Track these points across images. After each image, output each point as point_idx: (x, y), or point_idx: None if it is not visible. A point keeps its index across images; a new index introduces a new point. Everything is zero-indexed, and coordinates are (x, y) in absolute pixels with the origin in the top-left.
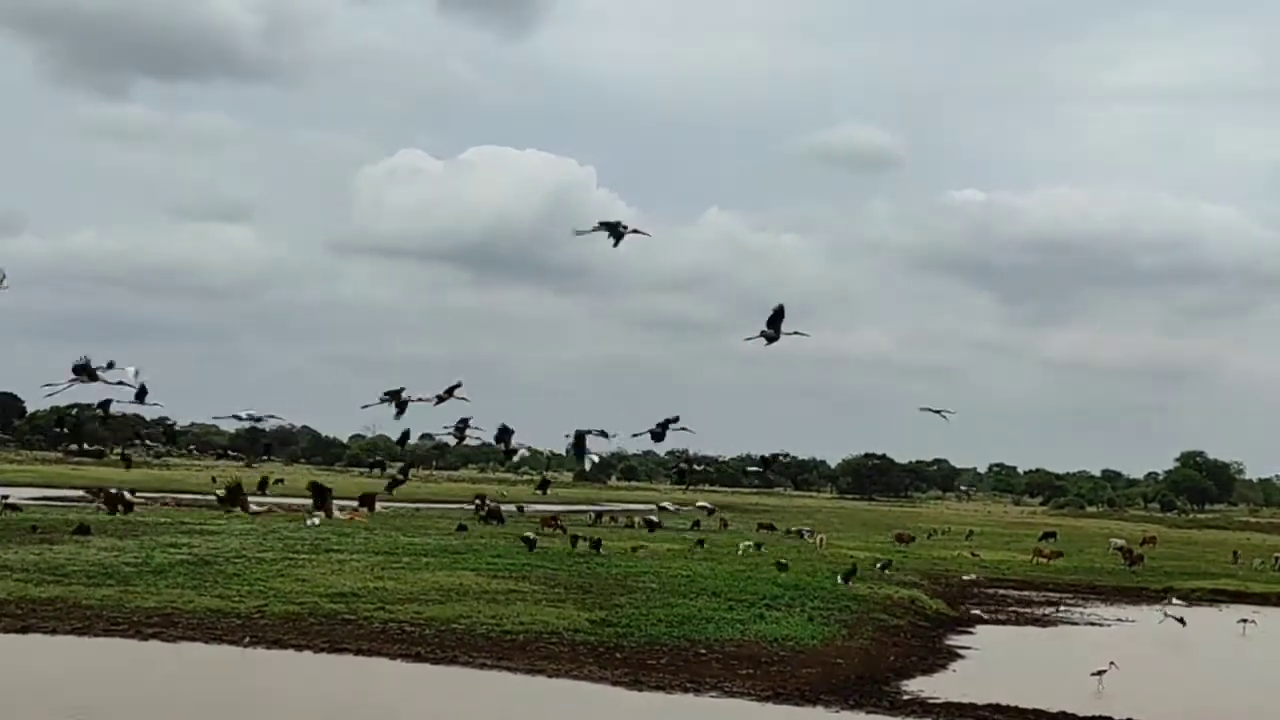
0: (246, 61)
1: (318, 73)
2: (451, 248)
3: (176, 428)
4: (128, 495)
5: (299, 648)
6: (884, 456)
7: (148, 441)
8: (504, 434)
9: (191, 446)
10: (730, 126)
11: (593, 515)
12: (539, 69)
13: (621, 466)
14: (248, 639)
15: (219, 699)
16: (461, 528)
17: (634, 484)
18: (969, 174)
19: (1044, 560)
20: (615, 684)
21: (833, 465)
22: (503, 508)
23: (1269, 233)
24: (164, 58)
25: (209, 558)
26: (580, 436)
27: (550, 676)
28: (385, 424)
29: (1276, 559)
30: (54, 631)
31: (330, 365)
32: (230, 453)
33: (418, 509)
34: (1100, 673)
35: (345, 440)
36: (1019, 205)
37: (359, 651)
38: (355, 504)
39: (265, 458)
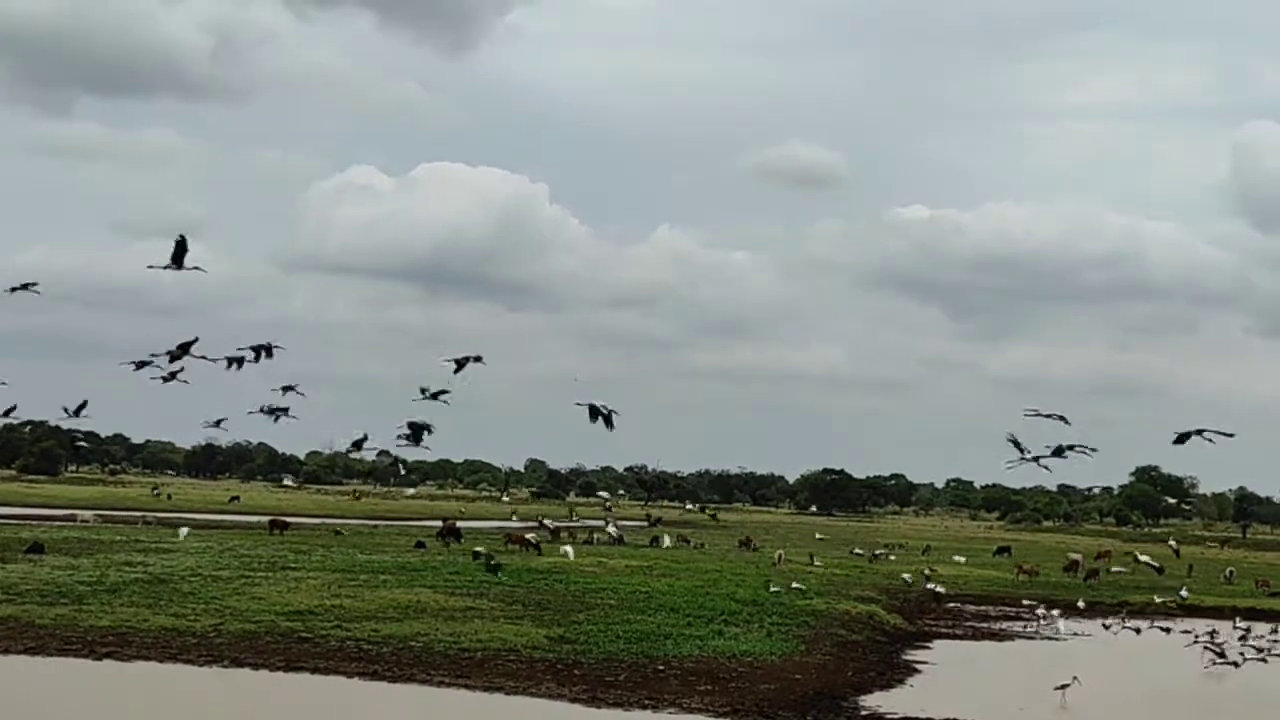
0: (194, 80)
1: (266, 91)
2: (402, 265)
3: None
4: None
5: (255, 666)
6: (842, 472)
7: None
8: (417, 430)
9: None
10: (681, 143)
11: (549, 529)
12: (488, 86)
13: (580, 482)
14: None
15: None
16: (420, 545)
17: (592, 499)
18: (916, 191)
19: (1025, 576)
20: (573, 701)
21: (791, 480)
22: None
23: (1212, 250)
24: (111, 75)
25: (164, 576)
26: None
27: (508, 694)
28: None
29: (1229, 572)
30: (6, 651)
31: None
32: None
33: (375, 526)
34: (1063, 687)
35: (302, 457)
36: (964, 222)
37: (316, 670)
38: None
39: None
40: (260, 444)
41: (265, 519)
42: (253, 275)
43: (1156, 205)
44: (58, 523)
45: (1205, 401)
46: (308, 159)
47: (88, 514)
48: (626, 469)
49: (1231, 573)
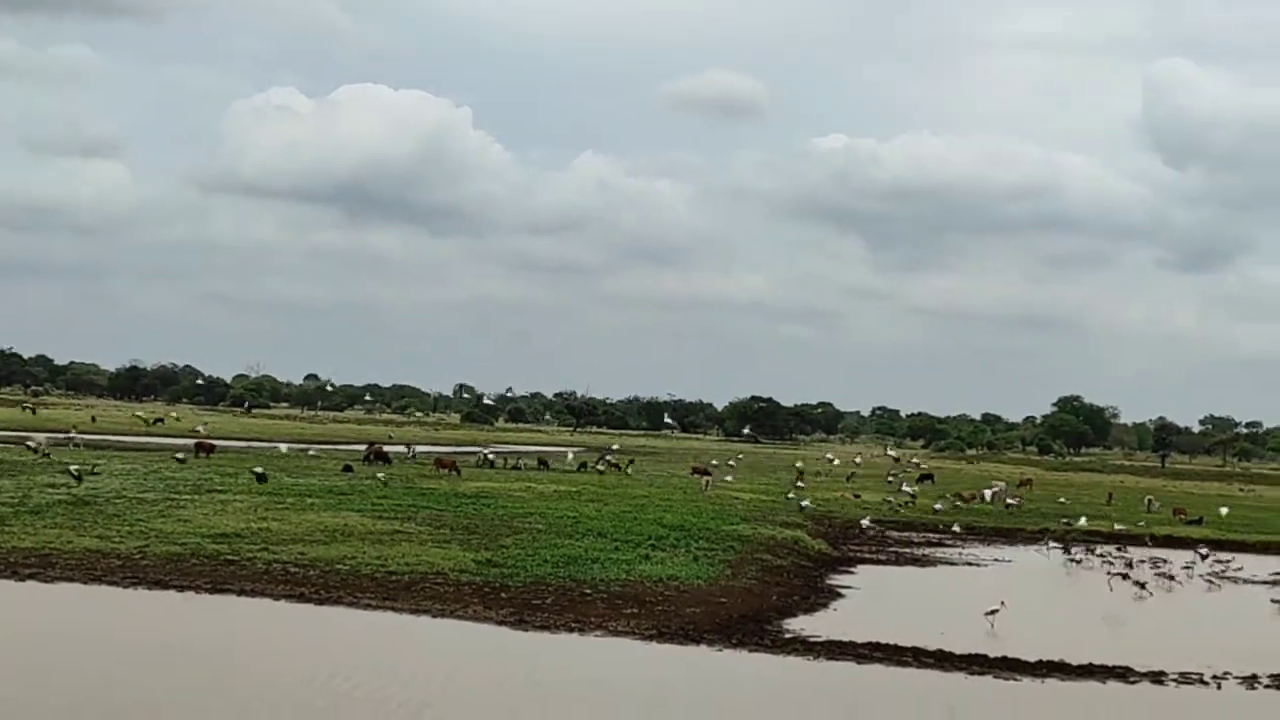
0: None
1: (182, 8)
2: (323, 188)
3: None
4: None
5: (180, 588)
6: (770, 400)
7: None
8: None
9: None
10: (605, 70)
11: (481, 456)
12: (412, 9)
13: (509, 408)
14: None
15: (98, 639)
16: (347, 469)
17: (521, 425)
18: (837, 122)
19: (964, 504)
20: (500, 624)
21: (719, 408)
22: (389, 449)
23: (1128, 185)
24: None
25: (88, 498)
26: None
27: (435, 616)
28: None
29: (1149, 501)
30: None
31: (208, 304)
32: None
33: (303, 450)
34: (993, 612)
35: (229, 380)
36: (880, 152)
37: (242, 592)
38: None
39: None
40: (186, 366)
41: (191, 442)
42: (171, 196)
43: (1074, 139)
44: None
45: (1123, 334)
46: (226, 79)
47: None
48: (555, 395)
49: (1151, 501)
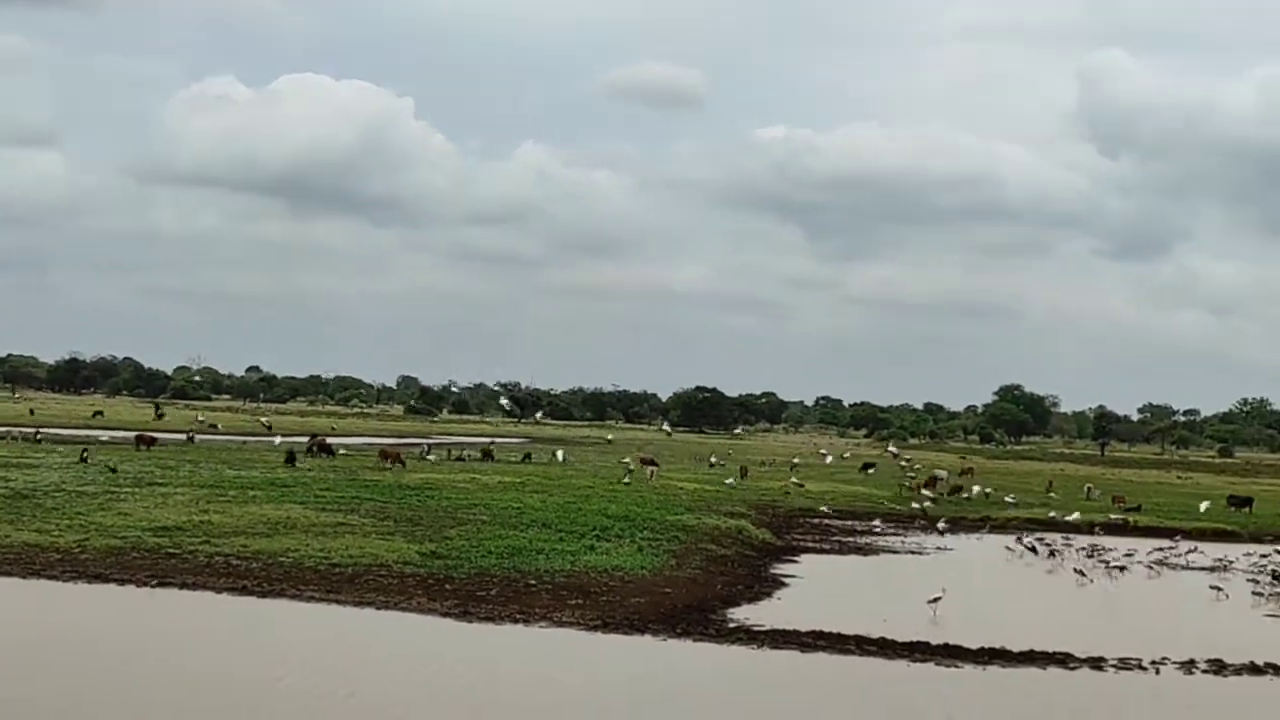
0: None
1: None
2: (264, 178)
3: None
4: None
5: (121, 582)
6: (714, 390)
7: None
8: None
9: None
10: (545, 60)
11: (424, 447)
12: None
13: (453, 399)
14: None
15: (38, 635)
16: (290, 460)
17: (465, 417)
18: (776, 112)
19: (911, 493)
20: (445, 615)
21: (663, 398)
22: (331, 441)
23: (1063, 174)
24: None
25: (26, 491)
26: None
27: (379, 609)
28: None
29: (1089, 489)
30: None
31: (147, 296)
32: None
33: (244, 442)
34: (935, 600)
35: (169, 372)
36: (818, 142)
37: (184, 585)
38: None
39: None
40: (126, 359)
41: (131, 435)
42: (108, 186)
43: (1011, 128)
44: None
45: (1062, 323)
46: (163, 68)
47: None
48: (498, 386)
49: (1090, 489)
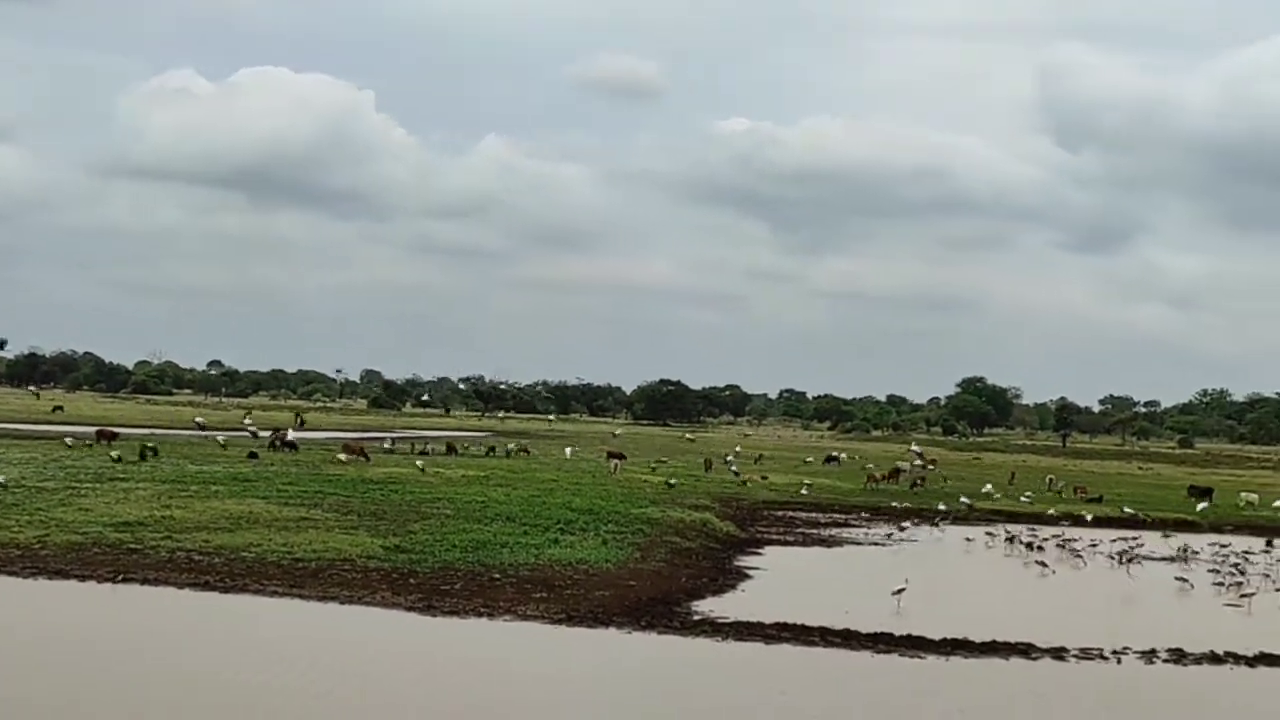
0: None
1: None
2: (224, 172)
3: None
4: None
5: (82, 578)
6: (678, 383)
7: None
8: None
9: None
10: (507, 52)
11: (389, 441)
12: None
13: (416, 393)
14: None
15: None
16: (253, 455)
17: (429, 411)
18: (739, 105)
19: (874, 484)
20: (409, 609)
21: (628, 391)
22: (293, 434)
23: (1023, 167)
24: None
25: None
26: None
27: (343, 603)
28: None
29: (1051, 480)
30: None
31: (107, 290)
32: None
33: (207, 437)
34: (898, 591)
35: (130, 367)
36: (781, 135)
37: (146, 581)
38: None
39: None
40: (86, 354)
41: (92, 429)
42: (67, 180)
43: (972, 122)
44: None
45: (1023, 315)
46: (122, 61)
47: None
48: (462, 380)
49: (1052, 480)
